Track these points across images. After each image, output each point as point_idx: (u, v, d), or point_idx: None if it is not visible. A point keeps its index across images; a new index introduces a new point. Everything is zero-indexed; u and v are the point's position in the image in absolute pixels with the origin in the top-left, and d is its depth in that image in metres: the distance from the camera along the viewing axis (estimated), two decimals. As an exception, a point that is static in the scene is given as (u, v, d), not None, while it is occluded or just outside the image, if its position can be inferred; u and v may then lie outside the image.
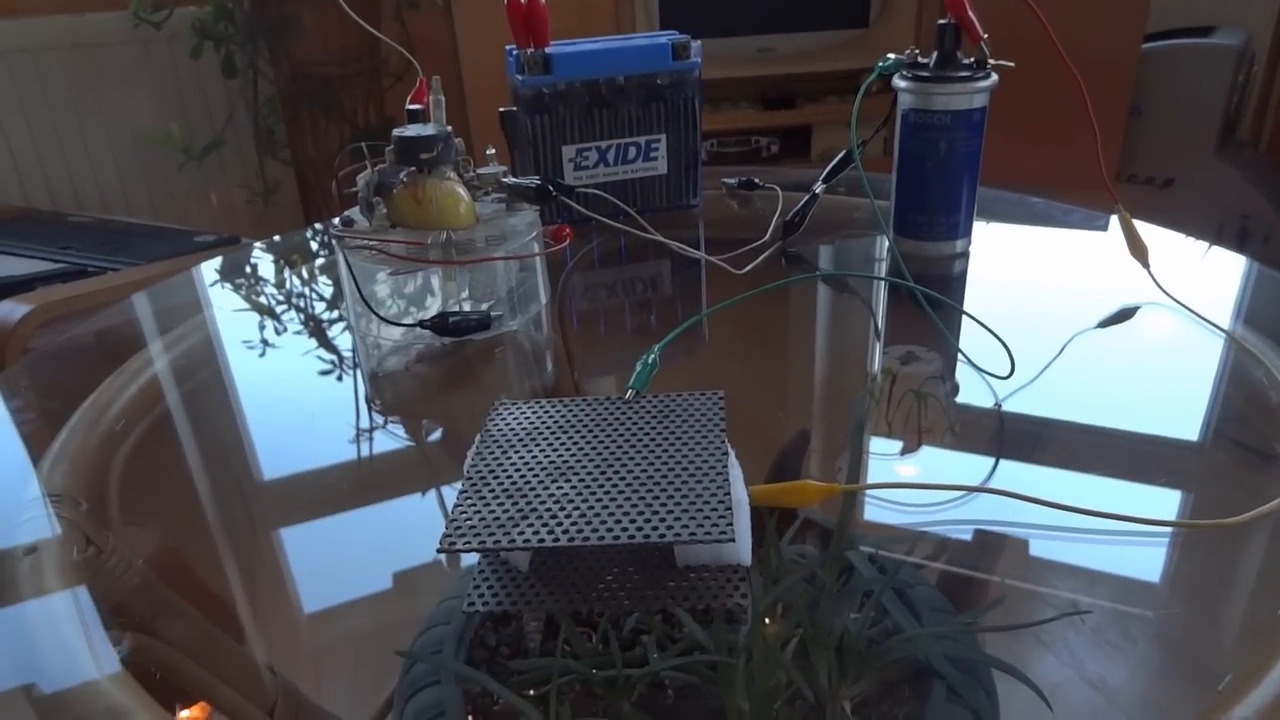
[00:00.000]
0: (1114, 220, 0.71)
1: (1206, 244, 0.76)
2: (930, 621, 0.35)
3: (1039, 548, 0.42)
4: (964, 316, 0.65)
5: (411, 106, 0.64)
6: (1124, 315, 0.65)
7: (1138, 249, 0.65)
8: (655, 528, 0.36)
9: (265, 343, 0.67)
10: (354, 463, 0.53)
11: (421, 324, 0.61)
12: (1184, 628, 0.37)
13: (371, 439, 0.56)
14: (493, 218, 0.64)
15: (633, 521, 0.36)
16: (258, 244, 0.90)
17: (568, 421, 0.43)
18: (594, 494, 0.38)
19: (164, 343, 0.69)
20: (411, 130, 0.61)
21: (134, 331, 0.72)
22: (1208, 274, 0.71)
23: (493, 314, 0.62)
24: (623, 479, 0.39)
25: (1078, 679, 0.33)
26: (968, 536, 0.43)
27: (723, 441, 0.41)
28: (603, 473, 0.39)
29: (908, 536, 0.43)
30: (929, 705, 0.30)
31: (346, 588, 0.44)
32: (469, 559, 0.45)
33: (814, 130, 2.09)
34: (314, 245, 0.90)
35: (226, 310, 0.74)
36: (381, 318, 0.61)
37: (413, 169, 0.62)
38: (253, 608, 0.44)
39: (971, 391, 0.56)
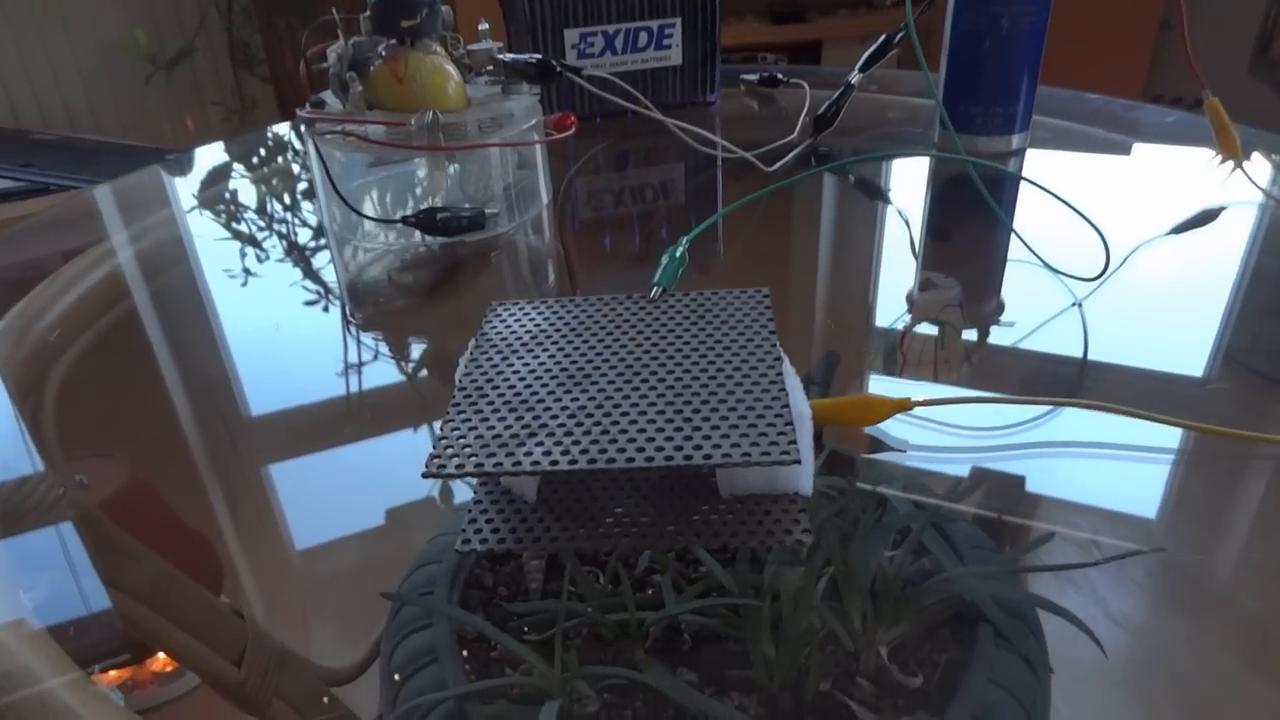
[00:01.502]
0: (1172, 119, 0.63)
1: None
2: (973, 560, 0.31)
3: (1064, 484, 0.36)
4: (1025, 225, 0.57)
5: (391, -31, 0.55)
6: (1205, 218, 0.57)
7: (1227, 142, 0.57)
8: (698, 446, 0.28)
9: (247, 271, 0.59)
10: (329, 382, 0.46)
11: (405, 220, 0.52)
12: (1212, 564, 0.33)
13: (349, 356, 0.48)
14: (486, 101, 0.55)
15: (669, 439, 0.29)
16: (224, 147, 0.81)
17: (582, 323, 0.36)
18: (618, 406, 0.31)
19: (104, 251, 0.61)
20: (390, -8, 0.52)
21: (94, 220, 0.64)
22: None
23: (488, 212, 0.54)
24: (653, 389, 0.31)
25: (1102, 616, 0.30)
26: (1013, 466, 0.37)
27: (774, 345, 0.33)
28: (628, 381, 0.32)
29: (937, 477, 0.36)
30: (976, 651, 0.27)
31: (329, 526, 0.37)
32: (465, 491, 0.38)
33: (824, 47, 1.98)
34: (291, 140, 0.81)
35: (186, 214, 0.66)
36: (356, 211, 0.53)
37: (393, 41, 0.53)
38: (229, 548, 0.37)
39: (1026, 305, 0.48)
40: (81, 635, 0.33)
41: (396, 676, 0.28)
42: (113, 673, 0.32)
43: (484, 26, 0.58)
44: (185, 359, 0.48)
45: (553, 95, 0.74)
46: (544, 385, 0.32)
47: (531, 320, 0.36)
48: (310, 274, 0.56)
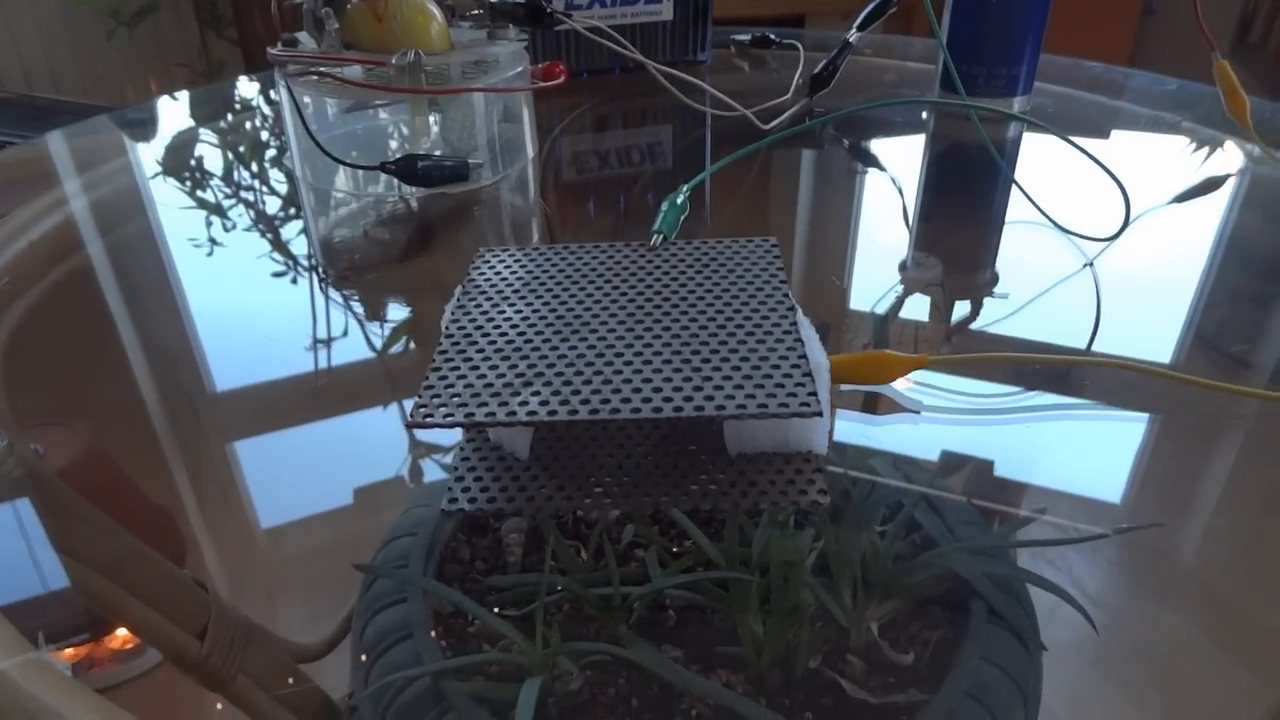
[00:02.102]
0: (1174, 86, 0.61)
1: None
2: (965, 536, 0.30)
3: (1057, 455, 0.35)
4: (1028, 182, 0.55)
5: (369, -98, 0.52)
6: (1211, 185, 0.55)
7: (1235, 105, 0.56)
8: (710, 397, 0.26)
9: (212, 241, 0.56)
10: (298, 354, 0.42)
11: (384, 167, 0.49)
12: (1180, 546, 0.32)
13: (321, 323, 0.45)
14: (471, 45, 0.52)
15: (678, 389, 0.26)
16: (177, 96, 0.77)
17: (578, 271, 0.33)
18: (620, 355, 0.28)
19: (61, 193, 0.57)
20: (370, -77, 0.49)
21: (46, 169, 0.60)
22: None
23: (471, 163, 0.51)
24: (658, 338, 0.29)
25: (1079, 595, 0.29)
26: (1000, 442, 0.35)
27: (786, 295, 0.31)
28: (630, 330, 0.29)
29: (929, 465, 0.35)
30: (970, 628, 0.26)
31: (295, 503, 0.35)
32: (438, 471, 0.35)
33: (807, 21, 1.95)
34: (247, 94, 0.77)
35: (144, 166, 0.62)
36: (333, 157, 0.50)
37: (371, -22, 0.50)
38: (192, 520, 0.34)
39: (1028, 267, 0.46)
40: (39, 613, 0.31)
41: (364, 658, 0.26)
42: (69, 650, 0.30)
43: (468, -33, 0.55)
44: (145, 321, 0.45)
45: (538, 50, 0.71)
46: (539, 333, 0.29)
47: (523, 267, 0.34)
48: (278, 234, 0.53)
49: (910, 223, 0.52)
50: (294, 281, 0.48)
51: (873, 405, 0.35)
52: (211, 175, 0.61)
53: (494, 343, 0.29)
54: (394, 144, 0.59)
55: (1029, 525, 0.32)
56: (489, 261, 0.34)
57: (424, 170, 0.49)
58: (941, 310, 0.44)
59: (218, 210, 0.56)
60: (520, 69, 0.53)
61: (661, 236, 0.35)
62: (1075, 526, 0.32)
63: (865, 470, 0.32)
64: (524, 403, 0.26)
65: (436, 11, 0.50)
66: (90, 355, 0.43)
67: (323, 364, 0.41)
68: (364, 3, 0.49)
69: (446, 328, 0.30)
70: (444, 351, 0.29)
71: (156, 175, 0.62)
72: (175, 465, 0.37)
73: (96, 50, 1.80)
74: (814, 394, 0.26)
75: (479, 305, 0.31)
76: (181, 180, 0.60)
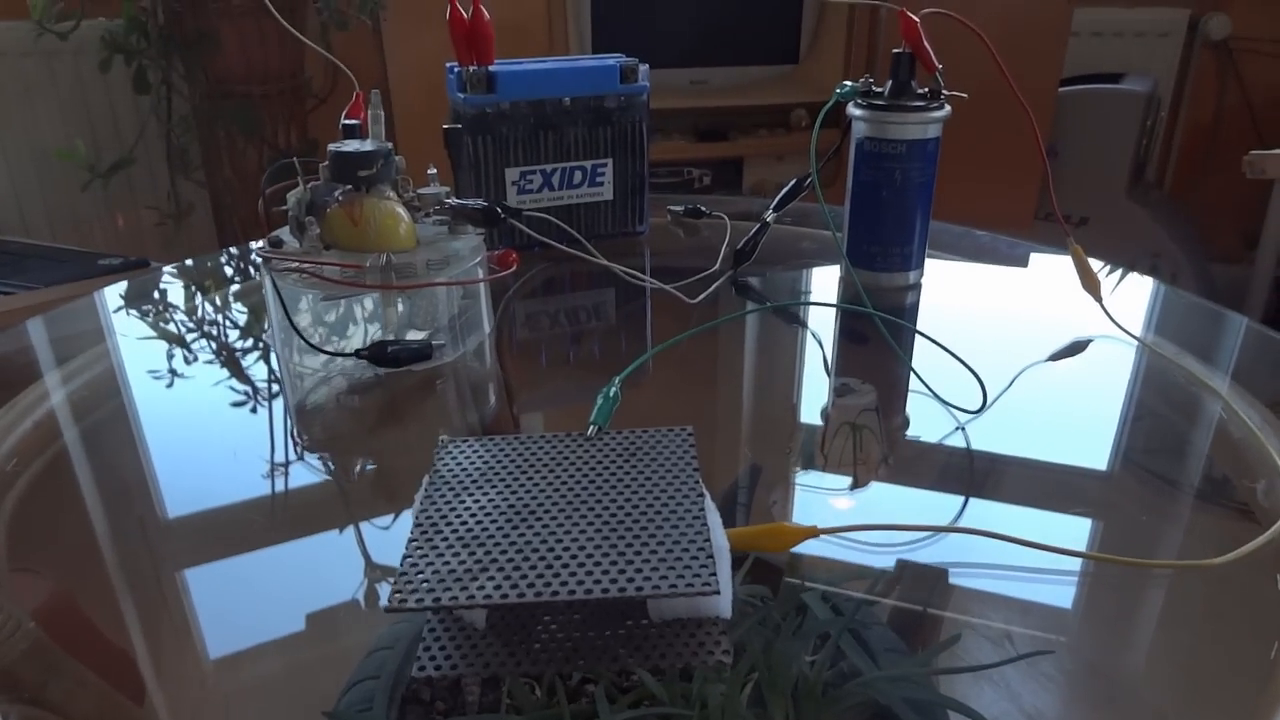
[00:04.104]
0: (1048, 256, 0.71)
1: (1152, 279, 0.77)
2: (886, 663, 0.34)
3: (976, 582, 0.41)
4: (922, 356, 0.63)
5: (347, 121, 0.60)
6: (1076, 348, 0.64)
7: (1090, 282, 0.65)
8: (631, 579, 0.32)
9: (173, 372, 0.62)
10: (278, 500, 0.48)
11: (359, 353, 0.56)
12: (1113, 660, 0.37)
13: (292, 475, 0.51)
14: (434, 241, 0.60)
15: (605, 573, 0.33)
16: (167, 268, 0.83)
17: (526, 461, 0.40)
18: (560, 542, 0.34)
19: (62, 374, 0.63)
20: (350, 145, 0.57)
21: (27, 360, 0.65)
22: (1158, 308, 0.72)
23: (434, 343, 0.58)
24: (591, 525, 0.35)
25: (1016, 711, 0.32)
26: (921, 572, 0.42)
27: (697, 482, 0.38)
28: (568, 517, 0.36)
29: (859, 574, 0.41)
30: None
31: (259, 633, 0.40)
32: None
33: (745, 163, 2.10)
34: (229, 270, 0.85)
35: (132, 339, 0.68)
36: (315, 346, 0.57)
37: (349, 187, 0.58)
38: (157, 660, 0.39)
39: (923, 424, 0.54)
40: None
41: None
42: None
43: (432, 171, 0.64)
44: (124, 479, 0.50)
45: (493, 231, 0.79)
46: (493, 521, 0.36)
47: (480, 458, 0.40)
48: (256, 402, 0.59)
49: (830, 369, 0.60)
50: (257, 412, 0.53)
51: (795, 566, 0.41)
52: (184, 327, 0.67)
53: (456, 531, 0.35)
54: (360, 316, 0.66)
55: (960, 643, 0.36)
56: (450, 452, 0.41)
57: (393, 354, 0.56)
58: (876, 433, 0.51)
59: (182, 343, 0.62)
60: (479, 259, 0.61)
61: (597, 428, 0.42)
62: (1008, 635, 0.37)
63: (796, 601, 0.35)
64: (481, 587, 0.32)
65: (404, 214, 0.58)
66: (67, 512, 0.48)
67: (283, 507, 0.47)
68: (341, 209, 0.57)
69: (416, 517, 0.36)
70: (414, 540, 0.35)
71: (121, 309, 0.68)
72: (138, 605, 0.42)
73: (69, 197, 1.88)
74: (714, 575, 0.32)
75: (443, 495, 0.38)
76: (146, 320, 0.66)
